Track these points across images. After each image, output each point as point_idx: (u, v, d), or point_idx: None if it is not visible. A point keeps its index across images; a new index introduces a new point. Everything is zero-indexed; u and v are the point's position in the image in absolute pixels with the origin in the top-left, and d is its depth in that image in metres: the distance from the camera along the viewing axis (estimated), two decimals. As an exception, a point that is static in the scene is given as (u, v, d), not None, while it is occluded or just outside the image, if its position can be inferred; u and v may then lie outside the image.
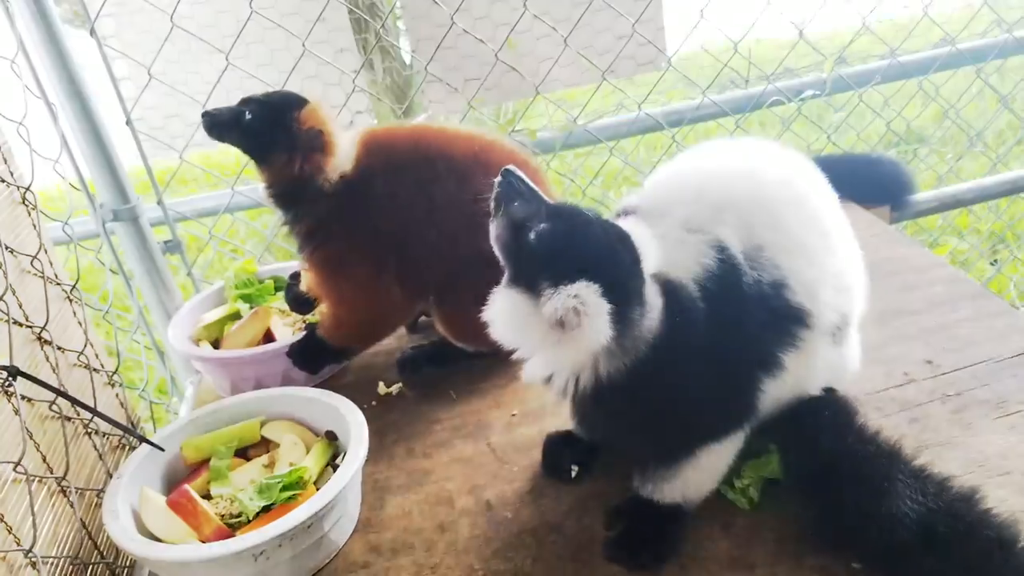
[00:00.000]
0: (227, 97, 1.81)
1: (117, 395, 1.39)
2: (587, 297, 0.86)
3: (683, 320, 0.94)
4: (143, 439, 1.16)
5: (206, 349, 1.50)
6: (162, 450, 1.17)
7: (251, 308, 1.60)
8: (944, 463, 1.11)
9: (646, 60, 2.02)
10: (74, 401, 1.04)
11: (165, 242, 1.66)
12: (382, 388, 1.47)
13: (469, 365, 1.50)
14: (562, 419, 1.31)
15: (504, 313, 0.93)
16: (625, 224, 0.97)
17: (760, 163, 1.08)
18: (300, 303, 1.52)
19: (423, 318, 1.66)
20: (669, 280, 0.96)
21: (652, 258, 0.95)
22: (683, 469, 1.04)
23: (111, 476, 1.28)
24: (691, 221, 1.01)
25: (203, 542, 1.06)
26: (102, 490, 1.22)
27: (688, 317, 0.94)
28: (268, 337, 1.53)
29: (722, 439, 1.03)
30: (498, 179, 0.99)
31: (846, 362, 1.17)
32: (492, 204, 1.00)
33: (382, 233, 1.33)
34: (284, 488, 1.09)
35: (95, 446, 1.26)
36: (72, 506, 1.10)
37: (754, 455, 1.11)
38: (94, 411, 1.08)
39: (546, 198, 0.97)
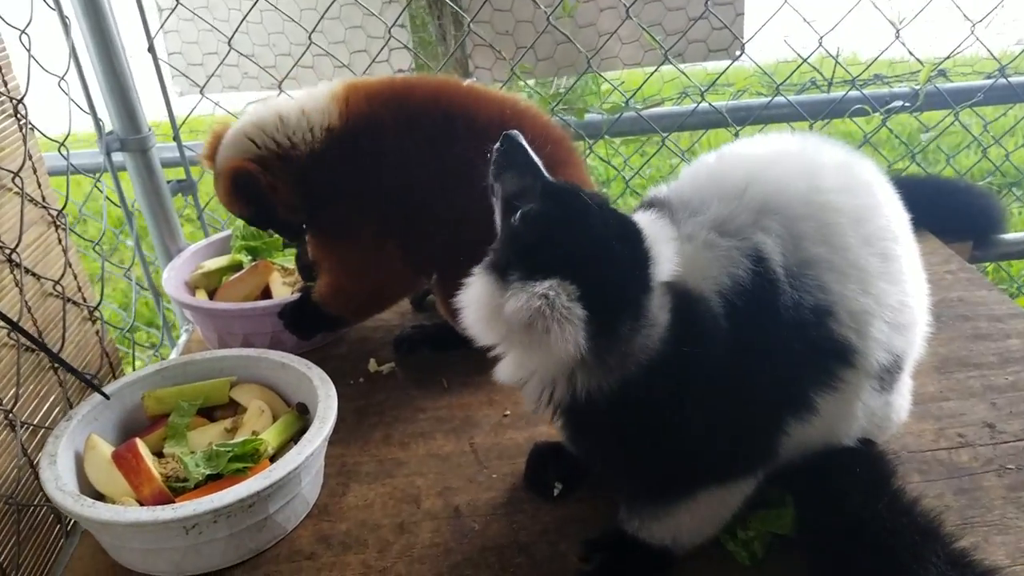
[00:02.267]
0: (267, 39, 1.73)
1: (97, 332, 1.31)
2: (556, 300, 0.72)
3: (695, 341, 0.79)
4: (89, 383, 1.07)
5: (197, 298, 1.41)
6: (107, 398, 1.08)
7: (253, 261, 1.51)
8: (991, 548, 0.95)
9: (719, 47, 1.85)
10: (16, 328, 0.96)
11: (178, 181, 1.57)
12: (373, 365, 1.37)
13: (469, 354, 1.38)
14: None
15: (474, 300, 0.80)
16: (640, 218, 0.82)
17: (822, 165, 0.92)
18: (308, 268, 1.42)
19: (431, 296, 1.54)
20: (686, 291, 0.82)
21: (667, 262, 0.80)
22: (677, 510, 0.90)
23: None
24: (727, 223, 0.86)
25: (140, 503, 0.97)
26: (55, 430, 1.14)
27: (702, 338, 0.80)
28: (266, 294, 1.44)
29: (729, 483, 0.89)
30: (497, 144, 0.86)
31: (891, 412, 1.02)
32: (491, 174, 0.87)
33: (389, 193, 1.22)
34: (234, 458, 0.99)
35: (60, 382, 1.18)
36: (21, 443, 1.02)
37: (764, 505, 0.96)
38: (36, 341, 1.00)
39: (546, 174, 0.84)
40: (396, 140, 1.21)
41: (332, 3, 1.54)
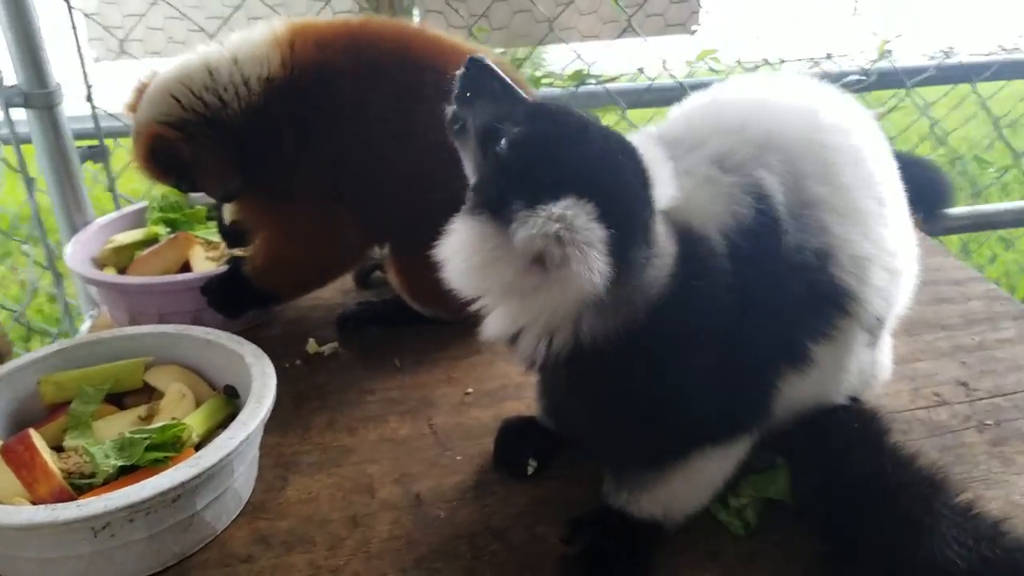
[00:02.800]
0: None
1: (-18, 315, 1.12)
2: (576, 220, 0.62)
3: (702, 278, 0.70)
4: None
5: (105, 273, 1.24)
6: None
7: (171, 234, 1.34)
8: (983, 503, 0.87)
9: (676, 21, 1.79)
10: None
11: (89, 147, 1.39)
12: (312, 346, 1.22)
13: (423, 331, 1.26)
14: (527, 404, 1.08)
15: (462, 248, 0.67)
16: (634, 139, 0.72)
17: (818, 104, 0.85)
18: (234, 232, 1.26)
19: (377, 273, 1.41)
20: (689, 226, 0.72)
21: (667, 190, 0.71)
22: (670, 476, 0.80)
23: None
24: (727, 157, 0.77)
25: (34, 503, 0.81)
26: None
27: (710, 277, 0.70)
28: (185, 270, 1.28)
29: (725, 444, 0.80)
30: (460, 71, 0.74)
31: (876, 369, 0.95)
32: (452, 104, 0.75)
33: (342, 150, 1.08)
34: (152, 447, 0.83)
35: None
36: None
37: (754, 470, 0.87)
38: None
39: (524, 96, 0.73)
40: (355, 92, 1.07)
41: None
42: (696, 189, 0.74)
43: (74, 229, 1.38)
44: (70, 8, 1.33)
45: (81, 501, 0.74)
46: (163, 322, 1.19)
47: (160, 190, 1.41)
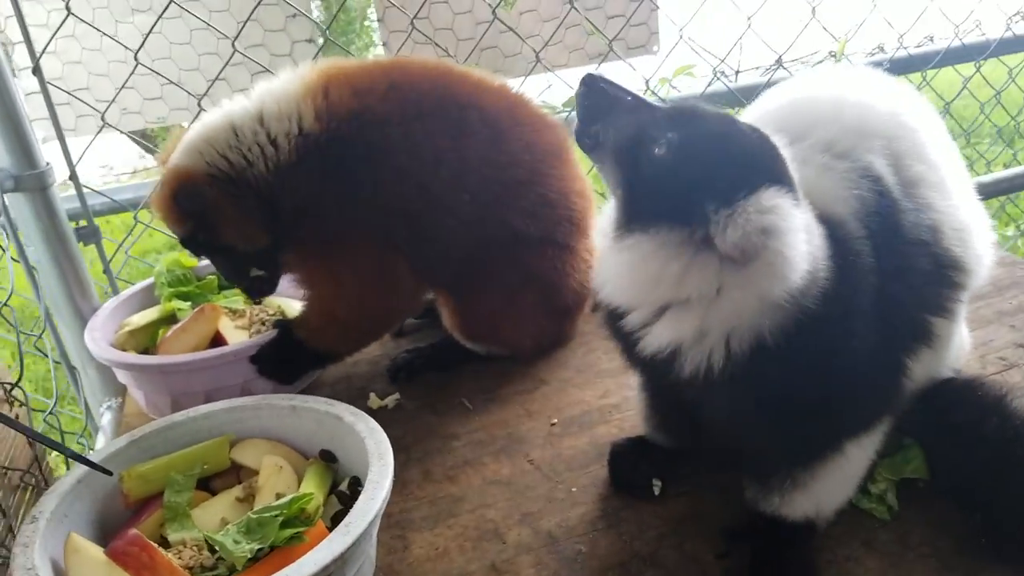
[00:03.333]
0: (157, 65, 1.50)
1: (16, 416, 1.02)
2: (784, 207, 0.61)
3: (854, 267, 0.70)
4: (82, 459, 0.81)
5: (139, 355, 1.15)
6: (109, 474, 0.83)
7: (192, 307, 1.26)
8: None
9: (637, 44, 1.84)
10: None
11: (77, 229, 1.30)
12: (374, 401, 1.17)
13: (478, 369, 1.22)
14: (618, 426, 1.06)
15: (638, 264, 0.66)
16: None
17: (888, 89, 0.88)
18: (252, 284, 1.15)
19: (409, 319, 1.37)
20: (827, 212, 0.73)
21: (796, 180, 0.71)
22: (824, 472, 0.80)
23: (11, 527, 0.92)
24: (834, 145, 0.79)
25: (166, 608, 0.73)
26: (2, 544, 0.86)
27: (860, 261, 0.71)
28: (216, 343, 1.20)
29: (873, 430, 0.80)
30: (581, 89, 0.73)
31: (964, 340, 0.98)
32: (581, 122, 0.74)
33: (395, 197, 1.04)
34: (285, 524, 0.77)
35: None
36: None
37: (883, 455, 0.87)
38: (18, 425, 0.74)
39: (651, 101, 0.73)
40: (406, 136, 1.03)
41: (258, 5, 1.34)
42: (819, 177, 0.75)
43: (80, 316, 1.28)
44: (43, 82, 1.24)
45: (245, 591, 0.67)
46: (210, 399, 1.12)
47: (163, 263, 1.34)
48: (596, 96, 0.74)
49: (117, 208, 1.52)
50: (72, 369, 1.30)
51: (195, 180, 1.00)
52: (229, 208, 1.01)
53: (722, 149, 0.67)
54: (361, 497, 0.77)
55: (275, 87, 1.06)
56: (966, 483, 0.84)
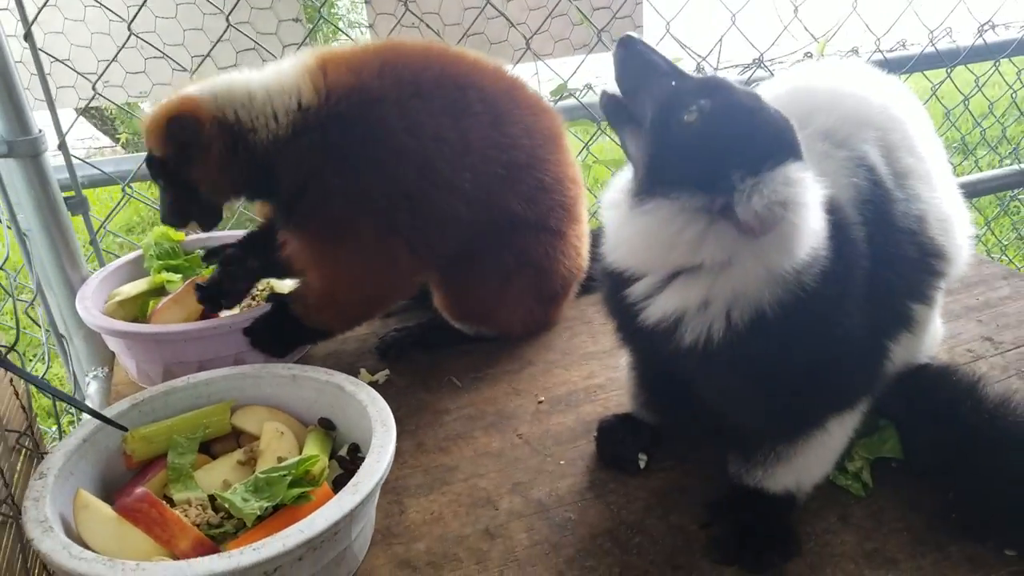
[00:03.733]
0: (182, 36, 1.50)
1: (12, 381, 1.03)
2: (807, 182, 0.66)
3: (850, 251, 0.75)
4: (97, 414, 0.83)
5: (135, 324, 1.16)
6: (124, 429, 0.84)
7: (183, 280, 1.27)
8: None
9: (622, 34, 1.87)
10: (4, 364, 0.71)
11: (66, 199, 1.29)
12: (364, 375, 1.19)
13: (464, 350, 1.25)
14: (603, 405, 1.10)
15: (650, 231, 0.70)
16: None
17: (881, 82, 0.93)
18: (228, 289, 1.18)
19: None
20: (830, 199, 0.77)
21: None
22: (806, 447, 0.85)
23: (8, 487, 0.93)
24: (833, 134, 0.83)
25: (177, 559, 0.75)
26: (3, 501, 0.87)
27: (855, 248, 0.75)
28: (205, 316, 1.21)
29: (854, 408, 0.85)
30: (618, 50, 0.76)
31: (938, 328, 1.04)
32: (618, 82, 0.76)
33: (396, 178, 1.05)
34: (293, 483, 0.79)
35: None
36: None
37: (860, 434, 0.93)
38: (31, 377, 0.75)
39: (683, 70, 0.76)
40: (404, 114, 1.05)
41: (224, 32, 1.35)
42: (821, 163, 0.79)
43: (69, 285, 1.28)
44: (34, 47, 1.24)
45: (257, 544, 0.69)
46: (202, 369, 1.13)
47: (152, 236, 1.34)
48: (634, 59, 0.75)
49: (102, 181, 1.52)
50: (60, 337, 1.30)
51: (197, 113, 1.01)
52: (216, 153, 1.03)
53: (751, 120, 0.70)
54: (367, 459, 0.80)
55: (281, 66, 1.08)
56: (939, 463, 0.89)
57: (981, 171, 2.44)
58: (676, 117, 0.70)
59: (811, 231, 0.67)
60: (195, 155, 1.02)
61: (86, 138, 3.99)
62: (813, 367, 0.76)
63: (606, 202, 0.81)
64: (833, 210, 0.76)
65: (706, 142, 0.69)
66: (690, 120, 0.69)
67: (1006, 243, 2.77)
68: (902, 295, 0.84)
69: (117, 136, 3.66)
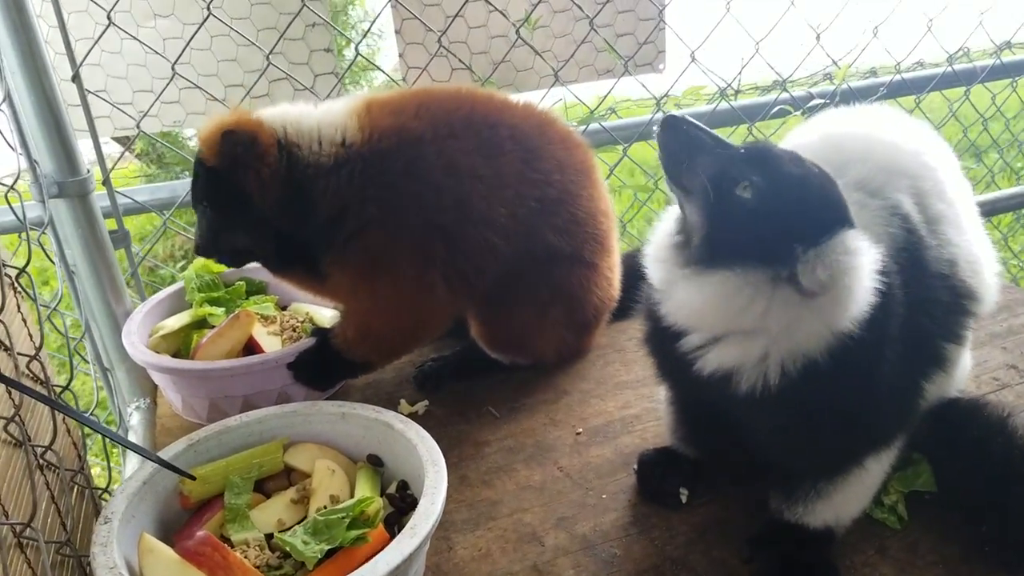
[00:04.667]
0: (216, 67, 1.53)
1: (64, 419, 1.06)
2: (864, 248, 0.70)
3: (889, 299, 0.77)
4: (168, 465, 0.86)
5: (182, 360, 1.19)
6: (192, 478, 0.87)
7: (225, 313, 1.30)
8: None
9: (644, 61, 1.90)
10: (64, 409, 0.74)
11: (110, 232, 1.33)
12: (405, 407, 1.22)
13: (501, 378, 1.28)
14: (640, 436, 1.12)
15: (718, 300, 0.74)
16: None
17: (910, 128, 0.96)
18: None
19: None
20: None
21: None
22: (845, 484, 0.87)
23: (64, 526, 0.96)
24: (867, 183, 0.86)
25: (240, 605, 0.77)
26: (64, 543, 0.90)
27: (892, 295, 0.78)
28: (248, 348, 1.24)
29: (891, 446, 0.87)
30: (660, 130, 0.79)
31: (966, 362, 1.06)
32: (666, 162, 0.79)
33: (434, 214, 1.09)
34: (351, 525, 0.82)
35: (47, 484, 0.93)
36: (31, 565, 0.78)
37: (895, 468, 0.95)
38: (94, 424, 0.78)
39: (728, 142, 0.79)
40: (441, 153, 1.08)
41: (294, 20, 1.39)
42: (857, 213, 0.82)
43: (114, 320, 1.31)
44: (81, 89, 1.27)
45: (325, 590, 0.72)
46: (248, 403, 1.16)
47: (192, 268, 1.37)
48: (679, 137, 0.78)
49: (138, 210, 1.55)
50: (106, 371, 1.33)
51: (255, 125, 1.05)
52: (270, 160, 1.06)
53: (804, 193, 0.74)
54: (423, 501, 0.83)
55: (333, 105, 1.13)
56: (972, 496, 0.92)
57: (998, 186, 2.46)
58: (730, 193, 0.73)
59: (866, 290, 0.70)
60: (250, 161, 1.05)
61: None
62: (856, 409, 0.78)
63: (651, 256, 0.83)
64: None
65: (764, 217, 0.73)
66: (745, 196, 0.72)
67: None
68: (936, 336, 0.86)
69: (132, 147, 3.71)
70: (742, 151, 0.76)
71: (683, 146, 0.77)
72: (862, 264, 0.70)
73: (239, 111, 1.08)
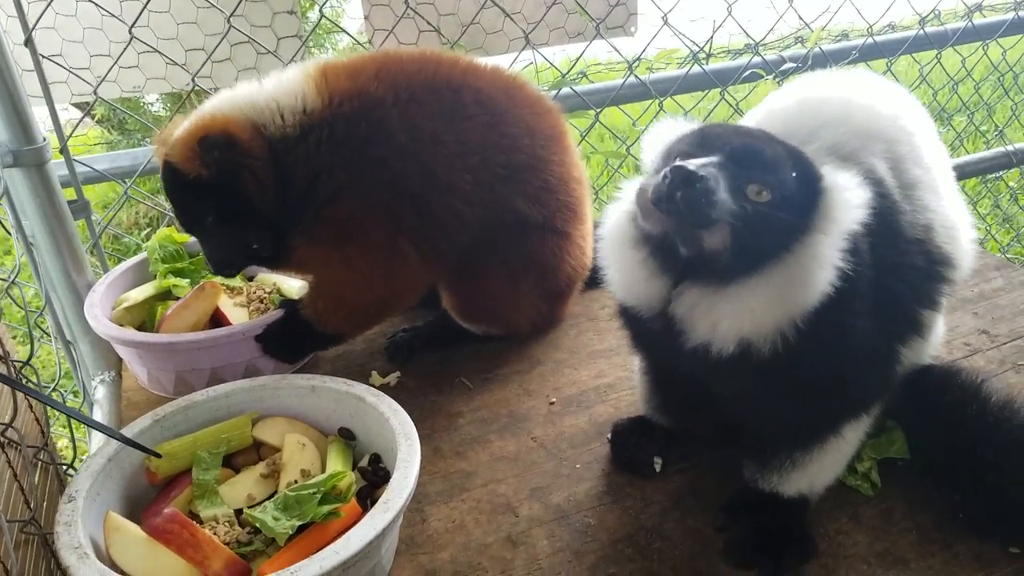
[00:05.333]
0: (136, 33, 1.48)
1: (26, 396, 1.03)
2: (845, 178, 0.74)
3: (858, 260, 0.76)
4: (133, 443, 0.83)
5: (147, 333, 1.16)
6: (158, 455, 0.85)
7: (190, 284, 1.27)
8: None
9: (615, 24, 1.87)
10: (19, 387, 0.71)
11: (69, 202, 1.28)
12: (376, 378, 1.20)
13: (474, 349, 1.27)
14: (614, 406, 1.12)
15: (765, 300, 0.73)
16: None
17: (887, 92, 0.94)
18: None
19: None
20: None
21: None
22: (821, 453, 0.87)
23: (29, 505, 0.93)
24: (839, 148, 0.85)
25: (210, 582, 0.76)
26: (29, 521, 0.87)
27: (858, 259, 0.77)
28: (215, 320, 1.21)
29: (867, 413, 0.88)
30: (678, 194, 0.68)
31: (940, 328, 1.06)
32: (692, 219, 0.71)
33: (399, 178, 1.06)
34: (323, 500, 0.81)
35: (9, 462, 0.91)
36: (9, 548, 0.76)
37: (869, 435, 0.95)
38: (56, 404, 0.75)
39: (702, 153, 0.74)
40: (403, 118, 1.05)
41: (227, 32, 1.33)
42: None
43: (75, 292, 1.27)
44: (35, 55, 1.22)
45: (294, 567, 0.71)
46: (215, 376, 1.14)
47: (155, 239, 1.33)
48: (694, 188, 0.68)
49: (98, 179, 1.50)
50: (68, 344, 1.29)
51: (226, 123, 1.00)
52: (260, 161, 1.02)
53: (796, 162, 0.75)
54: (395, 475, 0.82)
55: (282, 75, 1.08)
56: (946, 464, 0.92)
57: (966, 150, 2.47)
58: (748, 202, 0.70)
59: (837, 252, 0.70)
60: (238, 160, 1.00)
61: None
62: (836, 374, 0.78)
63: (627, 280, 0.81)
64: None
65: (782, 204, 0.71)
66: (763, 200, 0.71)
67: (991, 222, 2.82)
68: (912, 302, 0.86)
69: (92, 112, 3.60)
70: (728, 152, 0.73)
71: (700, 193, 0.69)
72: (856, 197, 0.72)
73: (202, 116, 1.01)
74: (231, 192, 1.01)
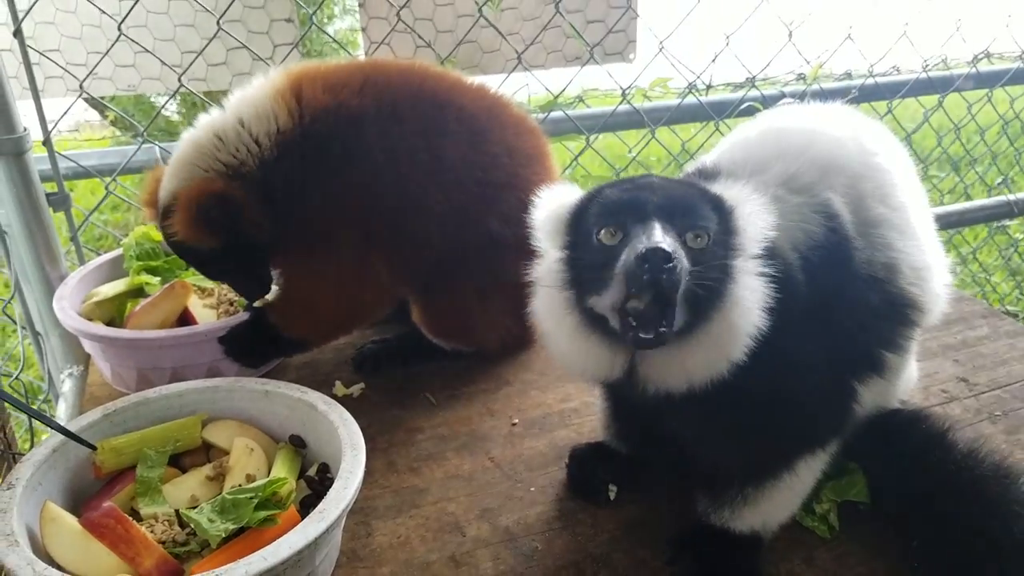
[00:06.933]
0: (132, 32, 1.49)
1: (-18, 382, 1.02)
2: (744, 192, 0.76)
3: (787, 290, 0.74)
4: (66, 432, 0.82)
5: (110, 328, 1.15)
6: (92, 448, 0.84)
7: (161, 283, 1.26)
8: None
9: (614, 50, 1.87)
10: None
11: (48, 195, 1.28)
12: (340, 388, 1.19)
13: (442, 366, 1.25)
14: (576, 430, 1.10)
15: (720, 345, 0.72)
16: (718, 188, 0.77)
17: (862, 129, 0.93)
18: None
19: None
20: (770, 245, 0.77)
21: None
22: (774, 490, 0.85)
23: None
24: (794, 180, 0.84)
25: (139, 580, 0.75)
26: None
27: (785, 290, 0.75)
28: (183, 320, 1.21)
29: (821, 450, 0.85)
30: (663, 277, 0.66)
31: (913, 372, 1.04)
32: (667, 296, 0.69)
33: (372, 193, 1.06)
34: (259, 505, 0.79)
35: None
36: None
37: (828, 477, 0.93)
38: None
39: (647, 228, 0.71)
40: (381, 133, 1.05)
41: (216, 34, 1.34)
42: (770, 206, 0.78)
43: (48, 284, 1.27)
44: (23, 45, 1.22)
45: (220, 570, 0.69)
46: (176, 375, 1.13)
47: (132, 235, 1.33)
48: (665, 264, 0.66)
49: (85, 174, 1.51)
50: (37, 335, 1.29)
51: (213, 188, 1.01)
52: (249, 200, 1.03)
53: (710, 198, 0.75)
54: (335, 485, 0.80)
55: (248, 93, 1.07)
56: (905, 510, 0.90)
57: (969, 197, 2.45)
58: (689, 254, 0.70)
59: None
60: (232, 216, 1.02)
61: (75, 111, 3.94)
62: (782, 407, 0.77)
63: (572, 350, 0.79)
64: (772, 255, 0.75)
65: (717, 243, 0.72)
66: (699, 245, 0.71)
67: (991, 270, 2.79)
68: (869, 341, 0.84)
69: (106, 114, 3.63)
70: (654, 211, 0.70)
71: (678, 270, 0.67)
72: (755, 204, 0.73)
73: (185, 186, 1.03)
74: (240, 241, 1.04)
